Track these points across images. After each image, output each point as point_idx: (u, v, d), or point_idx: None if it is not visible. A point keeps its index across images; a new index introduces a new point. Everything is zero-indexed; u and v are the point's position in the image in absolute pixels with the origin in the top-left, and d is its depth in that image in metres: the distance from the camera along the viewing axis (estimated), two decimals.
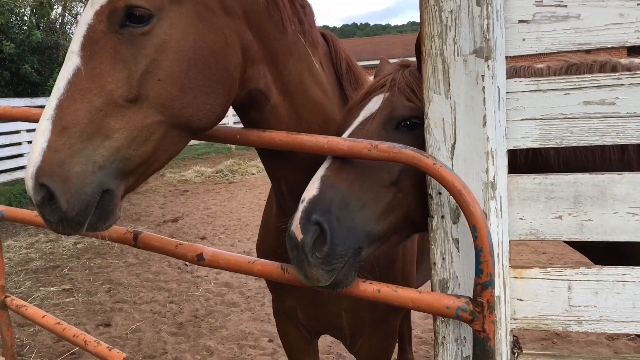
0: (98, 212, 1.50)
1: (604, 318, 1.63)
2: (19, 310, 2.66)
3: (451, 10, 1.53)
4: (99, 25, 1.52)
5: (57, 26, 23.19)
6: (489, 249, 1.46)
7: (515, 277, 1.67)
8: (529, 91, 1.58)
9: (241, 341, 5.17)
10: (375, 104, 1.83)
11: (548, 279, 1.65)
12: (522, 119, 1.60)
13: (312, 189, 1.61)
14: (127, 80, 1.50)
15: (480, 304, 1.51)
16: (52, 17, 23.22)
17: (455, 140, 1.58)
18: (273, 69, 1.85)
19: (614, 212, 1.58)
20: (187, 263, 7.49)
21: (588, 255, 2.29)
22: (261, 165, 15.88)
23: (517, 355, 1.70)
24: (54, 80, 20.90)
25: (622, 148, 1.96)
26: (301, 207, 1.58)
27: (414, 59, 1.89)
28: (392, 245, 1.75)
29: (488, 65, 1.51)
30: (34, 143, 1.46)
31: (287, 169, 2.04)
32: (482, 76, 1.52)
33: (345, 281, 1.59)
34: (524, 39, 1.57)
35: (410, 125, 1.76)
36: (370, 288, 1.64)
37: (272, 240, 2.43)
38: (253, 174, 15.25)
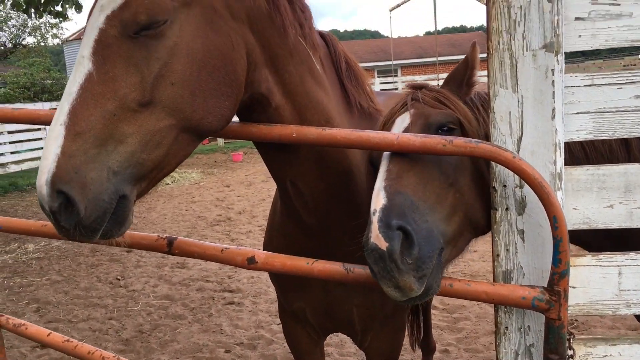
0: (114, 219, 1.49)
1: None
2: (18, 329, 2.40)
3: (520, 6, 1.57)
4: (111, 29, 1.50)
5: None
6: (567, 239, 1.51)
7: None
8: (584, 86, 1.65)
9: (197, 354, 4.98)
10: (403, 121, 1.84)
11: (600, 265, 1.72)
12: (577, 113, 1.66)
13: (379, 199, 1.56)
14: (140, 84, 1.49)
15: (557, 293, 1.55)
16: None
17: (522, 134, 1.61)
18: (274, 72, 1.86)
19: None
20: (120, 277, 7.15)
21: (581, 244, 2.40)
22: (176, 175, 15.65)
23: (572, 340, 1.76)
24: None
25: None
26: (375, 217, 1.52)
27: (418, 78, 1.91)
28: (460, 250, 1.75)
29: (557, 60, 1.56)
30: (46, 149, 1.43)
31: (291, 166, 2.03)
32: (552, 70, 1.57)
33: (435, 285, 1.55)
34: (580, 36, 1.63)
35: (447, 130, 1.79)
36: (442, 283, 1.63)
37: (278, 242, 2.40)
38: (168, 184, 14.78)
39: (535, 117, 1.60)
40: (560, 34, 1.56)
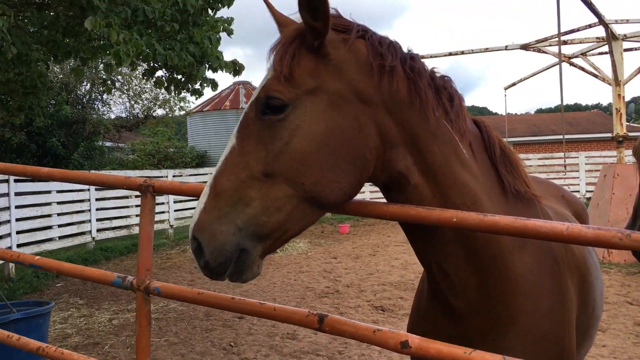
0: (235, 267, 1.76)
1: None
2: None
3: None
4: (250, 112, 1.83)
5: (85, 101, 23.75)
6: None
7: None
8: None
9: None
10: None
11: None
12: None
13: None
14: (265, 158, 1.75)
15: None
16: (80, 93, 23.86)
17: None
18: (415, 151, 1.92)
19: None
20: (233, 344, 7.27)
21: None
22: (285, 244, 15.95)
23: None
24: (79, 154, 21.23)
25: None
26: None
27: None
28: None
29: None
30: (198, 203, 1.80)
31: (435, 247, 2.03)
32: None
33: None
34: None
35: None
36: None
37: (424, 325, 2.34)
38: (276, 252, 14.98)
39: None
40: None
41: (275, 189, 1.73)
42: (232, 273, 1.76)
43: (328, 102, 1.78)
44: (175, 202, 17.54)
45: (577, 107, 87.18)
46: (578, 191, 21.39)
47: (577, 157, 22.10)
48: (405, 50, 1.96)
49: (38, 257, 2.86)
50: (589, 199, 16.86)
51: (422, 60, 2.03)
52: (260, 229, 1.73)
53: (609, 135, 15.06)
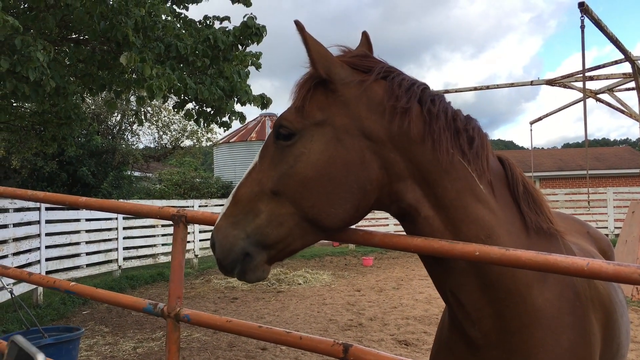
0: (240, 267, 1.98)
1: None
2: None
3: None
4: (271, 136, 2.04)
5: (115, 132, 24.30)
6: None
7: None
8: None
9: None
10: None
11: None
12: None
13: None
14: (273, 177, 1.96)
15: None
16: (111, 123, 24.43)
17: None
18: (424, 185, 2.00)
19: None
20: None
21: None
22: (307, 275, 15.93)
23: None
24: (108, 183, 21.64)
25: None
26: None
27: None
28: None
29: None
30: (222, 207, 2.04)
31: (449, 277, 2.08)
32: None
33: None
34: None
35: None
36: None
37: (445, 356, 2.37)
38: (300, 284, 15.05)
39: None
40: None
41: (280, 206, 1.93)
42: (239, 272, 1.98)
43: (333, 135, 1.94)
44: (200, 232, 17.70)
45: (605, 142, 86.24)
46: (606, 227, 21.01)
47: (605, 193, 21.76)
48: (430, 92, 2.06)
49: (73, 283, 2.97)
50: (617, 235, 16.57)
51: (447, 99, 2.11)
52: (264, 238, 1.94)
53: (637, 171, 14.90)
